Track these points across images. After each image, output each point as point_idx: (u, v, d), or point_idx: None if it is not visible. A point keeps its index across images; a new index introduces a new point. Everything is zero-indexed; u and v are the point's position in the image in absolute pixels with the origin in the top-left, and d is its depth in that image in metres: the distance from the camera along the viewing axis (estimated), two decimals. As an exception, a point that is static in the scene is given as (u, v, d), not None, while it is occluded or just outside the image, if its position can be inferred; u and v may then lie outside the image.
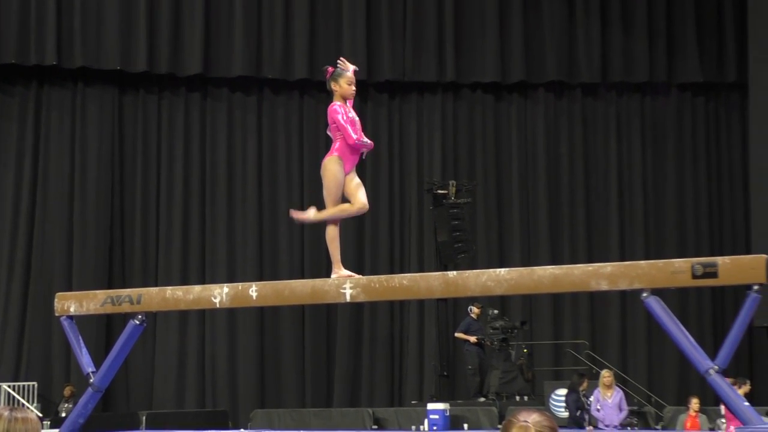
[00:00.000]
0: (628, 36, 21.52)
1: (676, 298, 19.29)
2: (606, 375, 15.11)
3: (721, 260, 6.10)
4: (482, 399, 17.53)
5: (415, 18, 21.12)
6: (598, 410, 14.76)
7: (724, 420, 13.68)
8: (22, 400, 17.93)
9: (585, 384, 15.27)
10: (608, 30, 21.52)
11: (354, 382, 20.60)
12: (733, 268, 6.05)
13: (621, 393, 15.20)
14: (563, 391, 16.08)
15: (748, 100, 20.09)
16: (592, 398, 14.92)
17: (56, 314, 7.78)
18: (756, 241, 18.72)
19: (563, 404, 15.88)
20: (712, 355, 6.15)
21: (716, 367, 6.04)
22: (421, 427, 16.55)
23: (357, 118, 7.55)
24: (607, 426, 14.62)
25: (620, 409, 14.81)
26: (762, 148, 19.04)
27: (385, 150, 21.34)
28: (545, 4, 21.42)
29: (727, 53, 21.59)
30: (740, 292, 6.05)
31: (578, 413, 14.90)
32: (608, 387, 14.92)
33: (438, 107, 21.59)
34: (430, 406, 16.58)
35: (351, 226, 20.41)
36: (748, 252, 18.27)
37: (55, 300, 7.81)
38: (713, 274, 6.04)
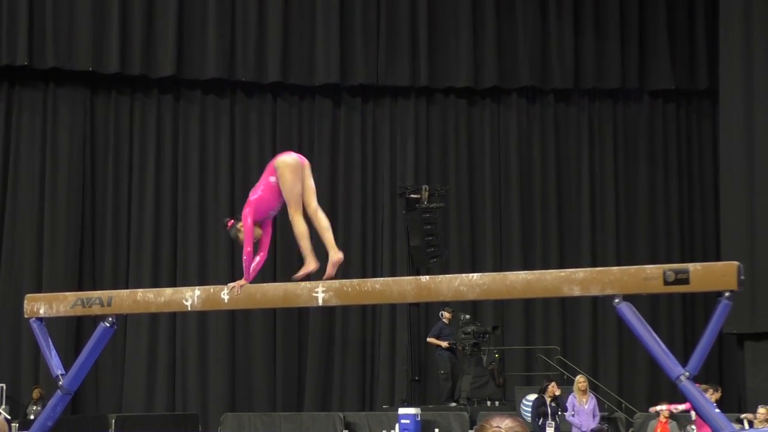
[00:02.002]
0: (600, 42, 21.63)
1: (647, 303, 19.36)
2: (581, 381, 15.10)
3: (693, 267, 6.12)
4: (453, 404, 17.52)
5: (388, 22, 21.13)
6: (573, 416, 14.77)
7: (694, 426, 13.74)
8: (-11, 403, 17.80)
9: (550, 389, 15.15)
10: (581, 36, 21.62)
11: (325, 386, 20.56)
12: (704, 274, 6.08)
13: (595, 399, 15.23)
14: (534, 397, 16.09)
15: (719, 108, 20.22)
16: (567, 403, 14.91)
17: (25, 316, 7.72)
18: (725, 248, 18.83)
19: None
20: (683, 361, 6.17)
21: (687, 373, 6.06)
22: (392, 431, 16.53)
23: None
24: None
25: (593, 416, 14.83)
26: (732, 155, 19.15)
27: (358, 154, 21.34)
28: (518, 10, 21.50)
29: (698, 61, 21.75)
30: (711, 298, 6.07)
31: (539, 421, 14.80)
32: (583, 392, 14.92)
33: (411, 111, 21.59)
34: (402, 410, 16.56)
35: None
36: (718, 258, 18.38)
37: (25, 302, 7.75)
38: (685, 281, 6.06)
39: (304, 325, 20.65)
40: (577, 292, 6.43)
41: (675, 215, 21.78)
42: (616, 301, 6.26)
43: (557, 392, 14.96)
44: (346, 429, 17.27)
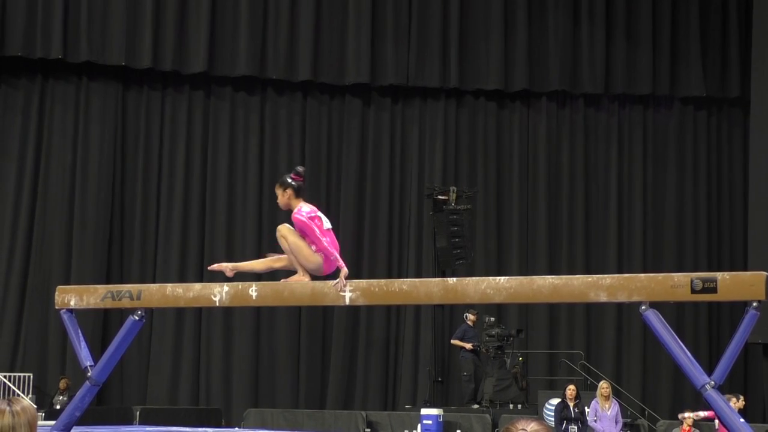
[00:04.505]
0: (632, 48, 21.58)
1: (673, 311, 19.31)
2: (604, 386, 15.09)
3: (721, 276, 6.12)
4: (476, 406, 17.55)
5: (419, 23, 21.17)
6: (595, 421, 14.75)
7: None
8: (17, 391, 17.94)
9: (568, 392, 15.13)
10: (612, 41, 21.58)
11: (348, 385, 20.62)
12: (732, 284, 6.07)
13: (618, 405, 15.21)
14: (557, 401, 16.10)
15: (750, 117, 20.13)
16: (588, 409, 14.90)
17: (56, 307, 7.80)
18: (753, 257, 18.74)
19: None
20: (708, 370, 6.17)
21: (713, 382, 6.06)
22: (414, 431, 16.57)
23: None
24: None
25: (616, 422, 14.81)
26: (761, 164, 19.07)
27: (387, 154, 21.39)
28: (550, 13, 21.48)
29: (730, 69, 21.66)
30: (736, 307, 6.08)
31: (562, 426, 14.81)
32: (606, 398, 14.90)
33: (441, 113, 21.62)
34: (424, 411, 16.60)
35: (349, 228, 20.43)
36: (745, 267, 18.29)
37: (56, 293, 7.83)
38: (712, 290, 6.06)
39: (329, 324, 20.71)
40: (604, 298, 6.44)
41: (703, 223, 21.69)
42: (643, 308, 6.26)
43: (573, 394, 14.97)
44: (368, 428, 17.33)
